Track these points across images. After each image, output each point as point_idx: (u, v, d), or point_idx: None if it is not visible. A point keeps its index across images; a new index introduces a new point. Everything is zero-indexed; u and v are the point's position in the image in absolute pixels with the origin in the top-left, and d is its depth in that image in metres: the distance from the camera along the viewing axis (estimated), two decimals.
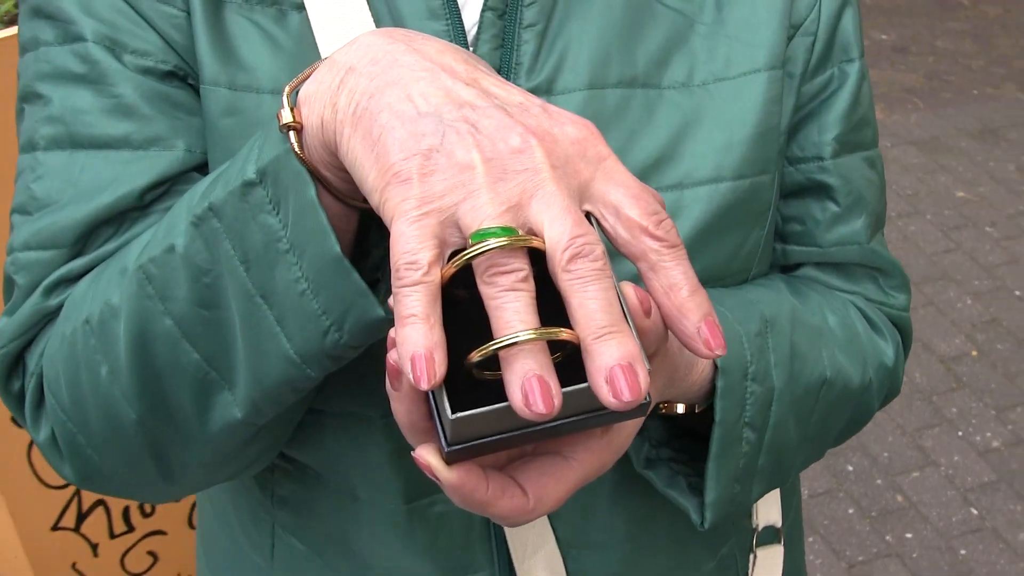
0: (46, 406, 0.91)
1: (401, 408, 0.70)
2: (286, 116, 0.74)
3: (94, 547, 2.30)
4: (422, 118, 0.68)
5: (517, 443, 0.68)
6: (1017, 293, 4.20)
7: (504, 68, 0.91)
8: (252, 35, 0.91)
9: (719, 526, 1.00)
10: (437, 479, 0.69)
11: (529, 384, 0.61)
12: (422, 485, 0.98)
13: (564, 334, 0.63)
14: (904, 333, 1.13)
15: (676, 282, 0.67)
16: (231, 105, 0.90)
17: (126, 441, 0.87)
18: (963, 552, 3.13)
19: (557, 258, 0.64)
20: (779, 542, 1.14)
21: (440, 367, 0.62)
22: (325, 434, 0.98)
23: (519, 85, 0.91)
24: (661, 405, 0.93)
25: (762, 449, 0.95)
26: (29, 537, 2.22)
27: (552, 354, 0.65)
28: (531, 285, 0.64)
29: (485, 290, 0.64)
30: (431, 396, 0.68)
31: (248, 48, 0.90)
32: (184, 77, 0.92)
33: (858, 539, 3.19)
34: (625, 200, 0.68)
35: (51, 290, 0.90)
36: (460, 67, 0.72)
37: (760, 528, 1.12)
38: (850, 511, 3.27)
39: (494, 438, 0.67)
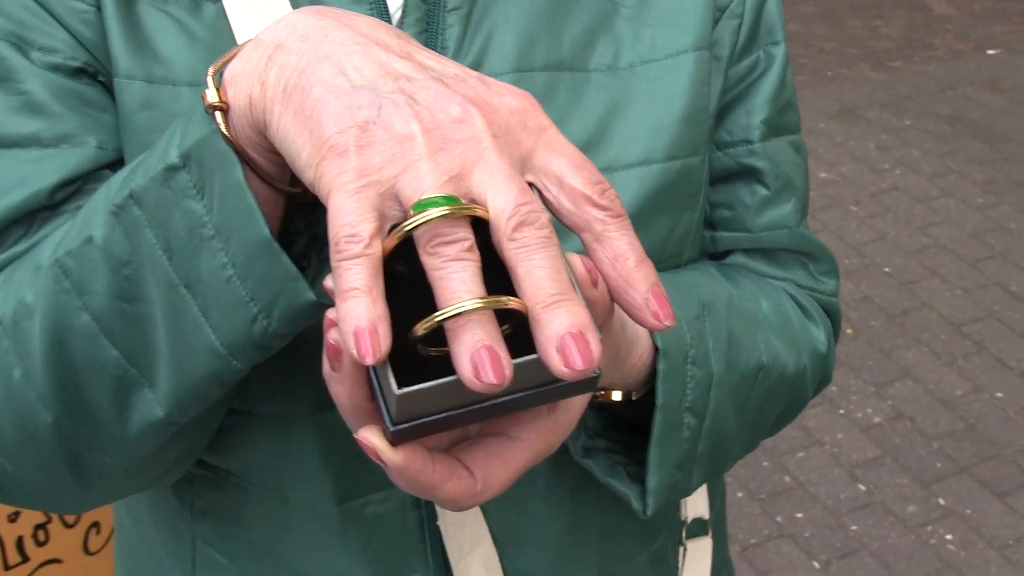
0: None
1: (342, 390, 0.67)
2: (211, 96, 0.72)
3: None
4: (357, 91, 0.66)
5: (464, 421, 0.66)
6: (886, 270, 4.28)
7: None
8: (167, 27, 0.88)
9: (660, 515, 0.99)
10: (382, 461, 0.67)
11: (479, 355, 0.60)
12: (355, 485, 0.96)
13: (512, 303, 0.61)
14: (834, 318, 1.13)
15: (622, 252, 0.66)
16: (147, 98, 0.88)
17: (41, 447, 0.84)
18: (854, 528, 3.17)
19: (502, 227, 0.63)
20: (707, 534, 1.14)
21: (385, 341, 0.61)
22: (252, 436, 0.95)
23: None
24: (598, 391, 0.91)
25: (702, 435, 0.94)
26: None
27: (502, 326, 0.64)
28: (476, 255, 0.62)
29: (428, 261, 0.62)
30: (374, 374, 0.66)
31: (163, 40, 0.88)
32: (94, 74, 0.89)
33: (749, 522, 3.21)
34: (568, 170, 0.67)
35: None
36: (393, 41, 0.71)
37: (689, 520, 1.12)
38: (739, 495, 3.29)
39: (441, 416, 0.65)
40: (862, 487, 3.31)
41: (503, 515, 0.99)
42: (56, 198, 0.86)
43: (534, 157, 0.68)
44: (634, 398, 0.93)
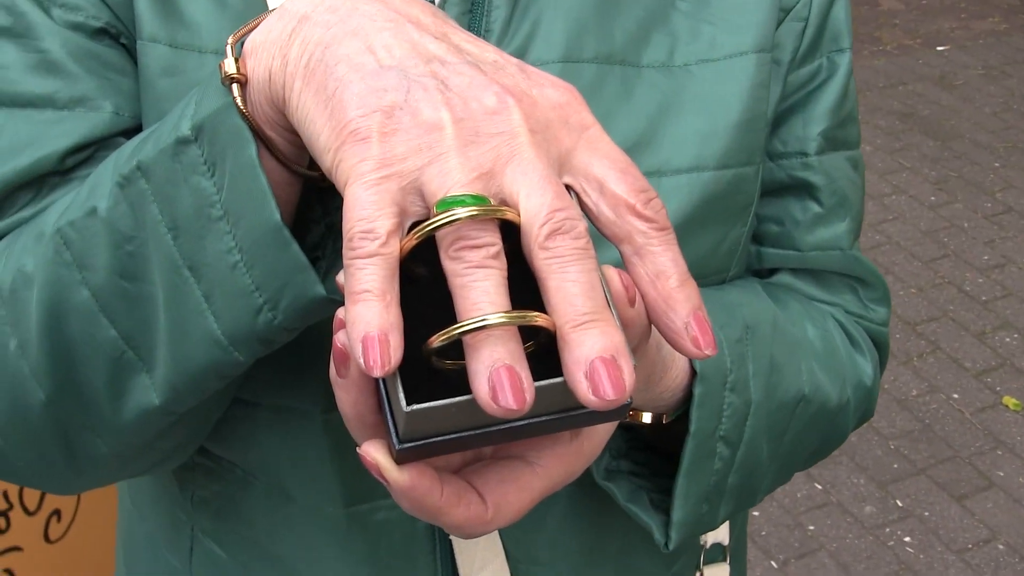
0: None
1: (347, 398, 0.62)
2: (229, 66, 0.67)
3: None
4: (384, 72, 0.61)
5: (478, 443, 0.60)
6: None
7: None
8: None
9: (683, 547, 0.94)
10: (385, 480, 0.61)
11: (498, 375, 0.54)
12: (364, 489, 0.91)
13: (540, 319, 0.56)
14: (882, 350, 1.07)
15: (664, 269, 0.60)
16: (171, 64, 0.83)
17: (32, 424, 0.80)
18: (811, 528, 3.15)
19: (534, 234, 0.57)
20: (725, 560, 1.09)
21: (396, 351, 0.55)
22: (258, 430, 0.91)
23: None
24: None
25: (734, 467, 0.89)
26: None
27: (526, 343, 0.58)
28: (503, 263, 0.57)
29: (450, 266, 0.56)
30: (382, 386, 0.60)
31: (191, 4, 0.84)
32: (116, 36, 0.85)
33: None
34: (611, 174, 0.61)
35: None
36: (428, 20, 0.65)
37: (708, 545, 1.07)
38: None
39: (452, 437, 0.59)
40: (819, 486, 3.29)
41: (519, 531, 0.94)
42: (67, 164, 0.82)
43: (574, 157, 0.62)
44: (665, 422, 0.87)
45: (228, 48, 0.68)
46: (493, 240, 0.56)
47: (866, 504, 3.24)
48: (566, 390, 0.57)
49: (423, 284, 0.60)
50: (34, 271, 0.75)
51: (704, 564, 1.07)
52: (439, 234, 0.57)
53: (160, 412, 0.77)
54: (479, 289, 0.55)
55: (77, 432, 0.80)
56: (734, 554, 1.11)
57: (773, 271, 1.01)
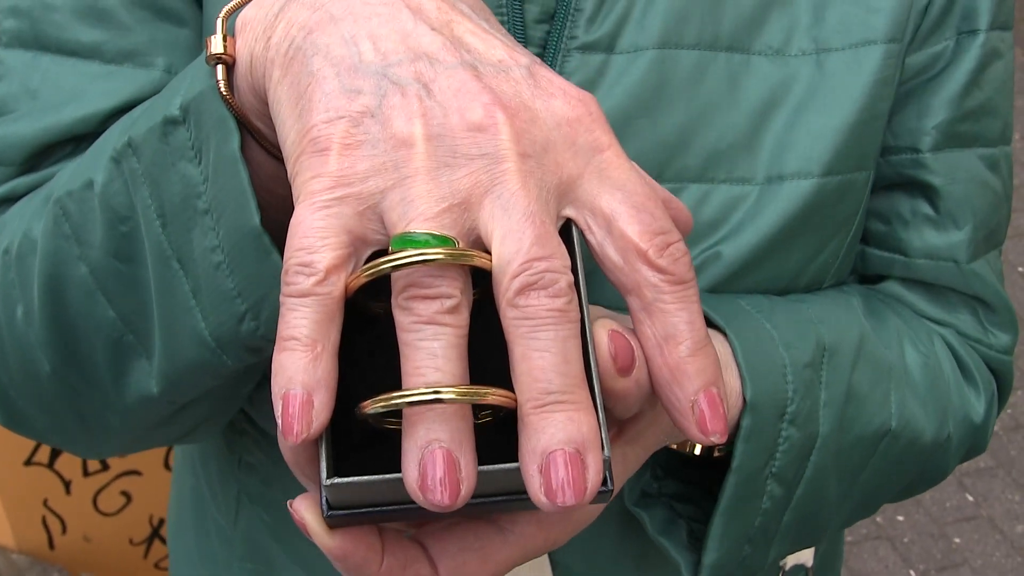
0: None
1: (284, 443, 0.53)
2: (216, 45, 0.58)
3: (67, 484, 2.26)
4: (362, 69, 0.52)
5: (420, 517, 0.54)
6: (1021, 269, 4.11)
7: (561, 13, 0.75)
8: None
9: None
10: (315, 543, 0.55)
11: (431, 459, 0.48)
12: None
13: (492, 396, 0.48)
14: (1003, 380, 0.93)
15: (675, 333, 0.52)
16: None
17: (43, 392, 0.75)
18: (957, 540, 3.03)
19: (503, 286, 0.49)
20: None
21: (320, 414, 0.49)
22: None
23: (577, 35, 0.76)
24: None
25: (790, 506, 0.79)
26: (1, 471, 2.13)
27: (485, 411, 0.52)
28: (460, 319, 0.49)
29: (399, 318, 0.49)
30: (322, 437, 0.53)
31: None
32: None
33: None
34: (621, 210, 0.52)
35: None
36: (432, 5, 0.56)
37: (788, 567, 0.95)
38: None
39: (389, 509, 0.52)
40: (970, 498, 3.16)
41: (572, 545, 0.83)
42: (107, 126, 0.74)
43: (580, 186, 0.53)
44: (716, 455, 0.78)
45: (218, 22, 0.60)
46: (451, 292, 0.49)
47: (1018, 523, 3.09)
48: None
49: (386, 325, 0.52)
50: (37, 238, 0.70)
51: None
52: (393, 276, 0.49)
53: (160, 401, 0.71)
54: (424, 351, 0.48)
55: (85, 405, 0.75)
56: (821, 571, 1.00)
57: (881, 278, 0.90)
